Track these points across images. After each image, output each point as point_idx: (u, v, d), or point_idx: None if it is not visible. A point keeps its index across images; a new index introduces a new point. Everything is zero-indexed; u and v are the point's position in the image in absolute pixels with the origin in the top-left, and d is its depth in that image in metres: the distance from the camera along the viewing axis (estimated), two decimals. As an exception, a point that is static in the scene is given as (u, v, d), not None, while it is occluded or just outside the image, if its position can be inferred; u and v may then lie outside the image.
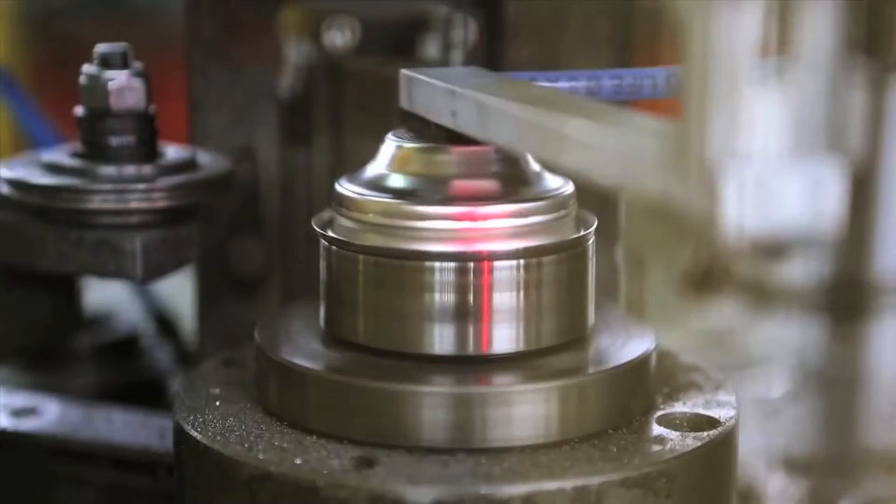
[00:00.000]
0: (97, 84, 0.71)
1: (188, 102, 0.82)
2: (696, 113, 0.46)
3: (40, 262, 0.71)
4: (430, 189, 0.62)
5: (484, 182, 0.62)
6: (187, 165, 0.73)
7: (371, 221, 0.62)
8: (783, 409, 1.05)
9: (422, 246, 0.60)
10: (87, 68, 0.72)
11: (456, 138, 0.62)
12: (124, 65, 0.72)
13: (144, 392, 0.89)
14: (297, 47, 0.85)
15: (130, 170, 0.71)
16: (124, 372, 0.92)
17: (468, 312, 0.60)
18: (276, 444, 0.60)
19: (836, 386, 1.13)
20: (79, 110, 0.72)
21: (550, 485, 0.56)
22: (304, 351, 0.63)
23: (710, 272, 0.47)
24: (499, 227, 0.60)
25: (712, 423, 0.62)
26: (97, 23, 1.79)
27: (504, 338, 0.61)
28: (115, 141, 0.72)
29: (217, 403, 0.64)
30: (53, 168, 0.72)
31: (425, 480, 0.56)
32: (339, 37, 0.82)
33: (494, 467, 0.57)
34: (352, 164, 0.68)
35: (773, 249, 0.46)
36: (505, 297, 0.61)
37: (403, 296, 0.61)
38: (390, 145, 0.64)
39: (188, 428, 0.61)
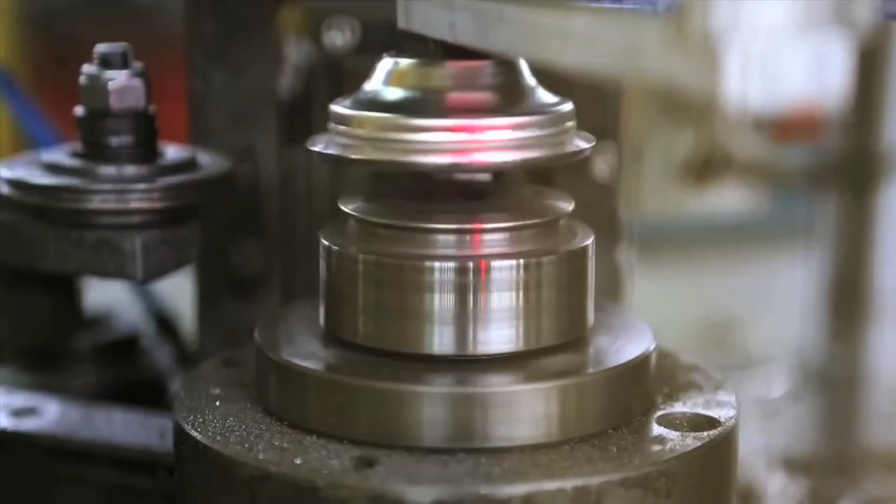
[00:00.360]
0: (97, 84, 0.71)
1: (188, 102, 0.82)
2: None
3: (40, 262, 0.71)
4: (426, 102, 0.61)
5: (481, 95, 0.61)
6: (187, 165, 0.73)
7: (366, 136, 0.61)
8: (783, 409, 1.05)
9: (419, 158, 0.60)
10: (87, 68, 0.72)
11: (455, 54, 0.61)
12: (124, 65, 0.72)
13: (144, 392, 0.89)
14: (297, 47, 0.85)
15: (130, 170, 0.71)
16: (124, 372, 0.92)
17: (468, 312, 0.60)
18: (276, 444, 0.60)
19: (836, 386, 1.13)
20: (79, 110, 0.72)
21: (550, 485, 0.56)
22: (304, 351, 0.63)
23: (711, 157, 0.46)
24: (497, 139, 0.60)
25: (712, 423, 0.62)
26: (97, 23, 1.79)
27: (504, 338, 0.61)
28: (115, 141, 0.72)
29: (217, 403, 0.64)
30: (53, 168, 0.72)
31: (425, 480, 0.56)
32: (339, 37, 0.82)
33: (494, 467, 0.57)
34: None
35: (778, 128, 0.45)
36: (505, 297, 0.61)
37: (403, 296, 0.61)
38: (386, 62, 0.63)
39: (188, 428, 0.61)
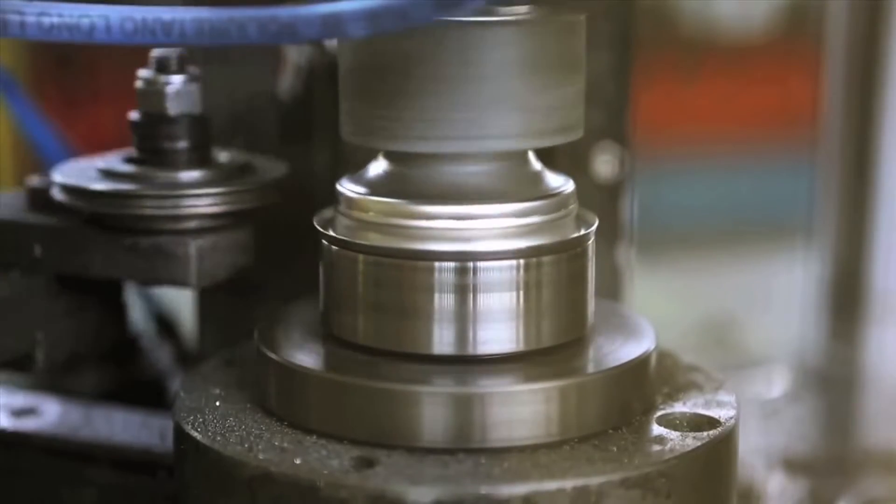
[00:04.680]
0: (154, 88, 0.71)
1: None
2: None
3: (91, 269, 0.70)
4: (431, 188, 0.62)
5: (485, 181, 0.62)
6: (243, 170, 0.72)
7: (372, 220, 0.62)
8: (783, 409, 1.05)
9: (422, 245, 0.60)
10: (143, 72, 0.71)
11: None
12: (181, 69, 0.71)
13: (144, 392, 0.89)
14: (297, 47, 0.85)
15: (186, 175, 0.70)
16: (124, 372, 0.92)
17: (468, 312, 0.60)
18: (276, 444, 0.60)
19: (835, 386, 1.13)
20: (134, 115, 0.71)
21: (550, 485, 0.56)
22: (304, 351, 0.63)
23: None
24: (500, 227, 0.61)
25: (712, 423, 0.62)
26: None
27: (504, 338, 0.61)
28: (170, 146, 0.71)
29: (217, 403, 0.64)
30: (108, 174, 0.70)
31: (425, 480, 0.56)
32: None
33: (494, 467, 0.57)
34: (352, 165, 0.68)
35: None
36: (505, 297, 0.61)
37: (403, 296, 0.61)
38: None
39: (188, 428, 0.61)
